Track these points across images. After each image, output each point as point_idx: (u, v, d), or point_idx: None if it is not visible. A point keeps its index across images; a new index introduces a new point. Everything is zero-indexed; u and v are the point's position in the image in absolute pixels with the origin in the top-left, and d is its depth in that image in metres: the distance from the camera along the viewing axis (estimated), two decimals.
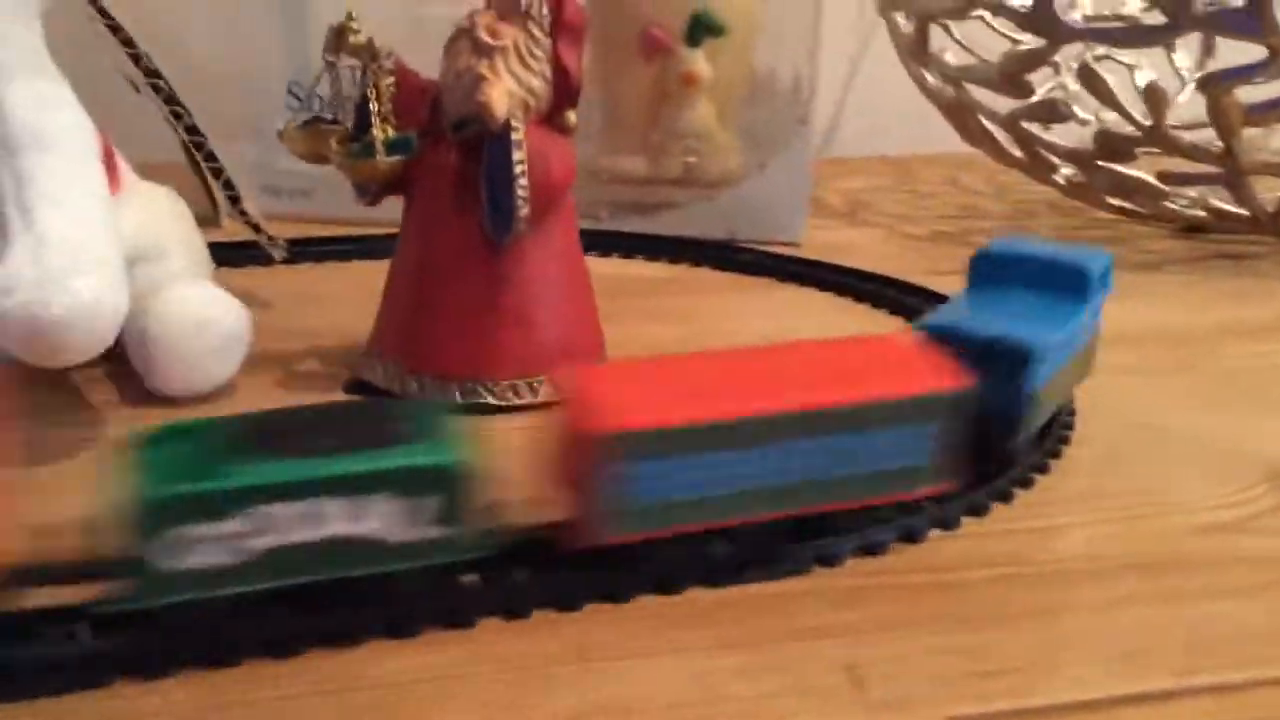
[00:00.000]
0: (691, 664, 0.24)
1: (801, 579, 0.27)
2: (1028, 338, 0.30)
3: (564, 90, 0.37)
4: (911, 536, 0.29)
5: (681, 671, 0.23)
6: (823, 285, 0.51)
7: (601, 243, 0.56)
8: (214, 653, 0.24)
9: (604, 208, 0.60)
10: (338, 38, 0.35)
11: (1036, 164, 0.61)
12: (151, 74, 0.42)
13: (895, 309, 0.48)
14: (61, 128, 0.33)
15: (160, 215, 0.39)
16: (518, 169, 0.35)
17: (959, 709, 0.22)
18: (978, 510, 0.31)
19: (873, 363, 0.27)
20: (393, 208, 0.37)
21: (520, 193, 0.35)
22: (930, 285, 0.48)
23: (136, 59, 0.41)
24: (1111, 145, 0.56)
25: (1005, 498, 0.32)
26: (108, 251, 0.32)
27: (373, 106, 0.35)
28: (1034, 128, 0.59)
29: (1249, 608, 0.26)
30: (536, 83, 0.36)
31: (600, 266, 0.53)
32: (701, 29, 0.59)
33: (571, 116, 0.37)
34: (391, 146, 0.35)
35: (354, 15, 0.35)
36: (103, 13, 0.40)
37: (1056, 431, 0.35)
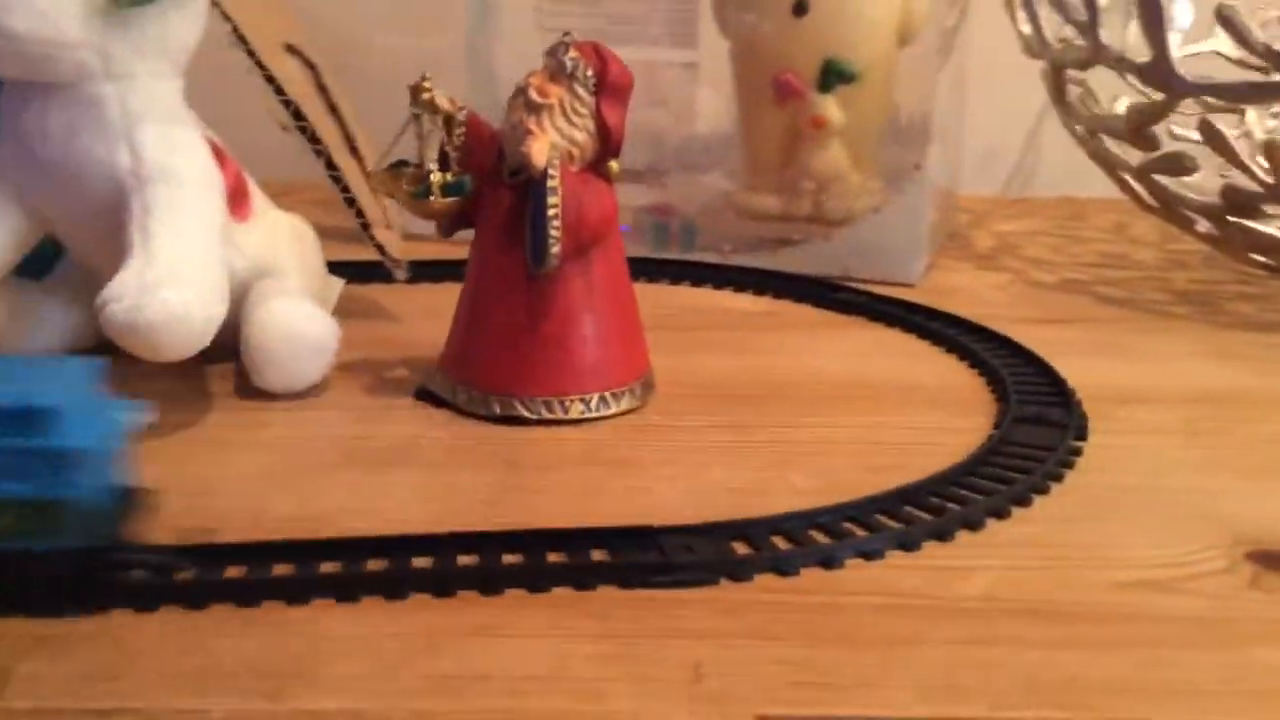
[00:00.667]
0: (552, 647, 0.28)
1: (701, 590, 0.31)
2: None
3: (606, 143, 0.41)
4: (828, 562, 0.32)
5: (541, 653, 0.27)
6: (906, 327, 0.53)
7: (709, 276, 0.60)
8: None
9: (728, 243, 0.64)
10: (414, 94, 0.41)
11: (1173, 216, 0.60)
12: (299, 117, 0.49)
13: (964, 355, 0.49)
14: (184, 167, 0.41)
15: (280, 239, 0.46)
16: (550, 211, 0.40)
17: (767, 709, 0.25)
18: (908, 545, 0.33)
19: None
20: None
21: (553, 232, 0.40)
22: (1017, 334, 0.49)
23: (286, 104, 0.49)
24: (1238, 201, 0.55)
25: (943, 536, 0.34)
26: (204, 270, 0.39)
27: (434, 154, 0.41)
28: (1165, 179, 0.58)
29: (1101, 659, 0.28)
30: (580, 136, 0.41)
31: (699, 299, 0.58)
32: (833, 76, 0.62)
33: (614, 166, 0.42)
34: (446, 189, 0.41)
35: (427, 75, 0.41)
36: (259, 65, 0.48)
37: (1036, 481, 0.37)
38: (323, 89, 0.62)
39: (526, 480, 0.37)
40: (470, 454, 0.39)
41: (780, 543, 0.33)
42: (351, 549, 0.31)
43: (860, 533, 0.33)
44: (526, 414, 0.41)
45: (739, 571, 0.31)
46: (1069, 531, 0.34)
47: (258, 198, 0.46)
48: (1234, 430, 0.42)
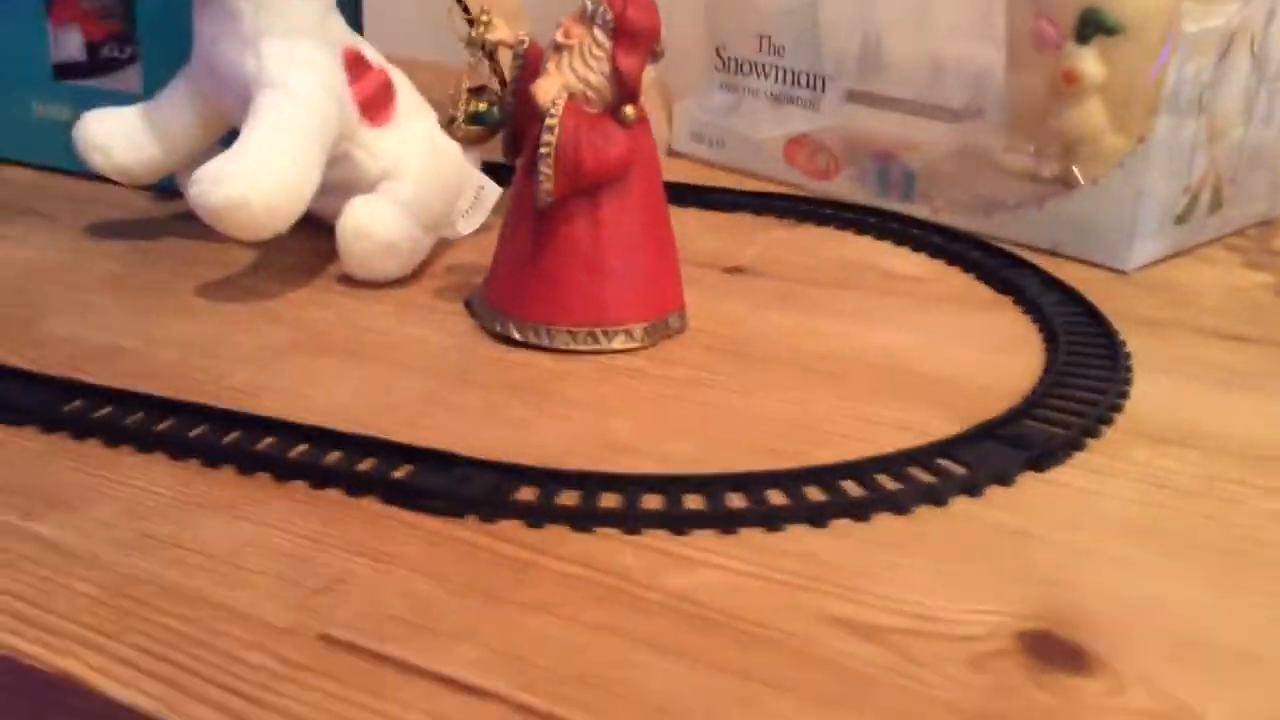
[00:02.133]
0: (250, 533, 0.32)
1: (453, 520, 0.33)
2: None
3: (621, 88, 0.42)
4: (537, 520, 0.33)
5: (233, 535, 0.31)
6: (1039, 318, 0.48)
7: (889, 230, 0.58)
8: None
9: (942, 198, 0.60)
10: (470, 25, 0.44)
11: None
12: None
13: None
14: (296, 78, 0.47)
15: (413, 149, 0.50)
16: (543, 150, 0.42)
17: (368, 641, 0.28)
18: (629, 529, 0.32)
19: None
20: None
21: (544, 169, 0.42)
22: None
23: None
24: None
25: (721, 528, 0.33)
26: (278, 169, 0.45)
27: (469, 84, 0.44)
28: None
29: (699, 680, 0.26)
30: (594, 78, 0.42)
31: (858, 251, 0.55)
32: (1092, 26, 0.56)
33: (629, 111, 0.43)
34: (472, 119, 0.44)
35: (486, 10, 0.44)
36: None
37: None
38: None
39: (457, 397, 0.40)
40: (443, 362, 0.43)
41: (538, 495, 0.33)
42: (197, 413, 0.37)
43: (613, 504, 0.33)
44: (516, 336, 0.44)
45: (487, 512, 0.33)
46: (862, 556, 0.32)
47: (406, 108, 0.52)
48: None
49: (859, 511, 0.34)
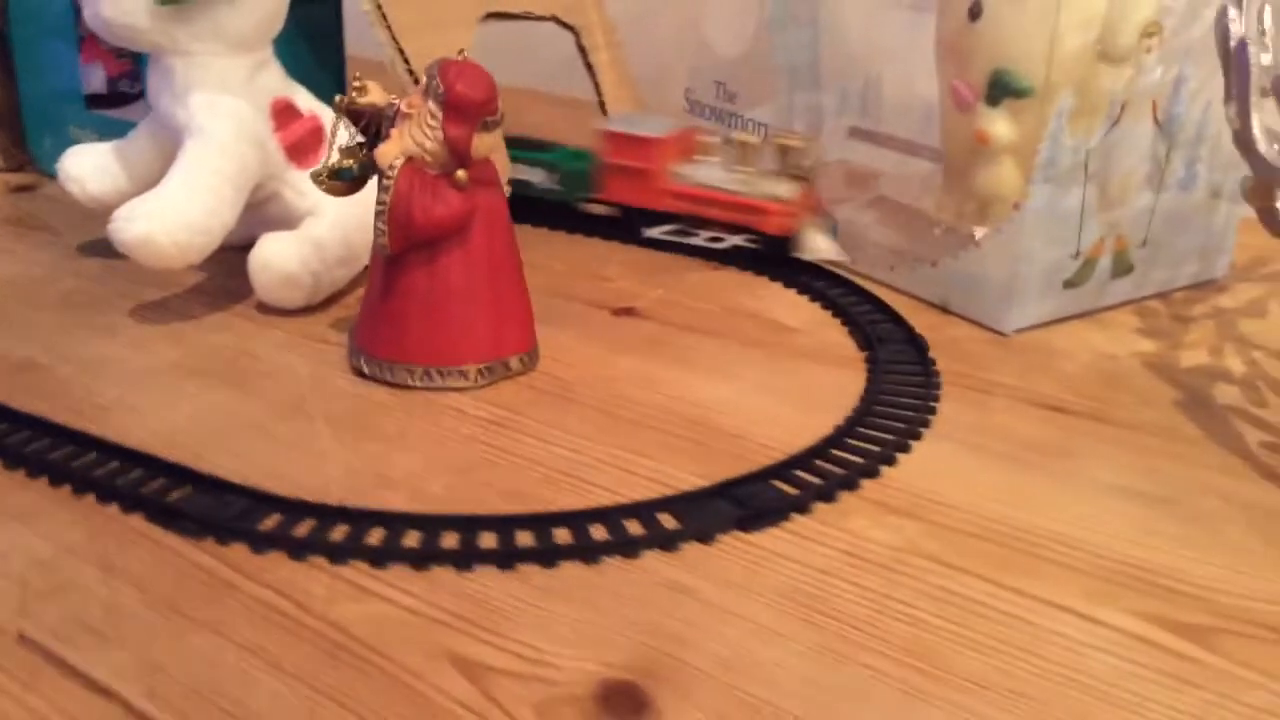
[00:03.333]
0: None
1: (196, 542, 0.38)
2: None
3: (452, 154, 0.47)
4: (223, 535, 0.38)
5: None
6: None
7: (792, 277, 0.60)
8: None
9: (856, 252, 0.62)
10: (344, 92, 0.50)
11: None
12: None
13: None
14: (217, 129, 0.54)
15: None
16: (378, 207, 0.47)
17: (28, 632, 0.33)
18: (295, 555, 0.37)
19: None
20: None
21: (380, 225, 0.47)
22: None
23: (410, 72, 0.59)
24: None
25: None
26: (189, 208, 0.52)
27: (338, 144, 0.49)
28: None
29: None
30: (430, 145, 0.47)
31: (751, 299, 0.58)
32: (1001, 88, 0.57)
33: (461, 175, 0.47)
34: (334, 174, 0.49)
35: (358, 77, 0.49)
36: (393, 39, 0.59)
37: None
38: (582, 49, 0.72)
39: (281, 426, 0.45)
40: (289, 392, 0.48)
41: (278, 523, 0.38)
42: (35, 425, 0.43)
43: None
44: (366, 371, 0.49)
45: (223, 535, 0.38)
46: (522, 600, 0.36)
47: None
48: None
49: (545, 559, 0.37)
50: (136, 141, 0.59)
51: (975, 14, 0.57)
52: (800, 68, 0.72)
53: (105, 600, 0.35)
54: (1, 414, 0.45)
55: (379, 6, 0.60)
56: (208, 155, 0.53)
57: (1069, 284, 0.56)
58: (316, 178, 0.50)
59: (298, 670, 0.32)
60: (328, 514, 0.39)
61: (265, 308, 0.55)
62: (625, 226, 0.65)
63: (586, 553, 0.38)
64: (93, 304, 0.56)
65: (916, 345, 0.53)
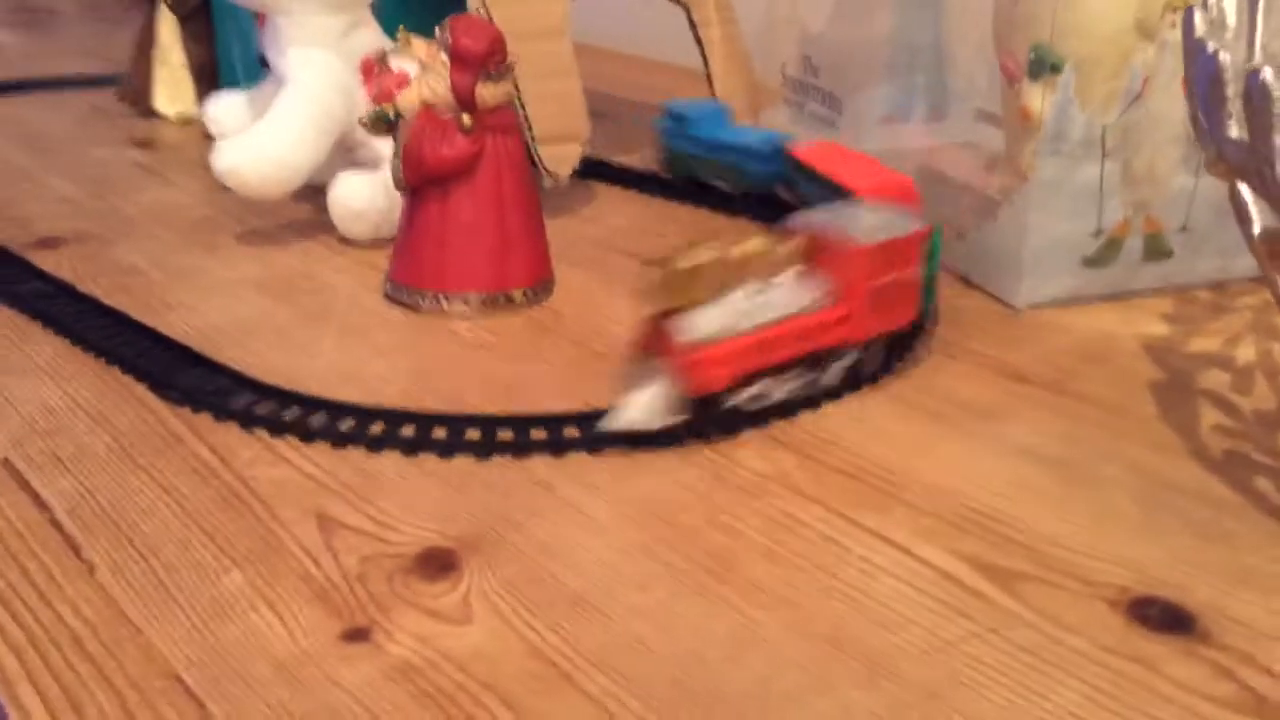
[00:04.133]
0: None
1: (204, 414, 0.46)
2: None
3: (458, 100, 0.52)
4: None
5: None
6: None
7: None
8: None
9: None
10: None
11: None
12: None
13: None
14: (307, 78, 0.61)
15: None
16: (395, 146, 0.53)
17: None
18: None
19: None
20: None
21: (395, 161, 0.53)
22: None
23: None
24: None
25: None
26: (275, 145, 0.60)
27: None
28: None
29: None
30: (440, 92, 0.53)
31: None
32: (1040, 64, 0.58)
33: (465, 119, 0.53)
34: (375, 117, 0.55)
35: (403, 31, 0.56)
36: None
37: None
38: (692, 24, 0.76)
39: (299, 330, 0.52)
40: (323, 307, 0.55)
41: (245, 403, 0.45)
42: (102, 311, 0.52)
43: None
44: (388, 292, 0.56)
45: (195, 405, 0.45)
46: (406, 480, 0.41)
47: None
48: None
49: (444, 450, 0.42)
50: (264, 90, 0.68)
51: None
52: (922, 48, 0.73)
53: (81, 442, 0.43)
54: (80, 299, 0.54)
55: None
56: (295, 101, 0.61)
57: (1091, 262, 0.55)
58: (361, 121, 0.56)
59: (192, 509, 0.39)
60: (287, 398, 0.45)
61: (342, 238, 0.62)
62: None
63: (481, 449, 0.42)
64: (210, 227, 0.65)
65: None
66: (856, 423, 0.45)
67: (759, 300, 0.43)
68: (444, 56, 0.52)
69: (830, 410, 0.46)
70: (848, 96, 0.69)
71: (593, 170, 0.74)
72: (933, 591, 0.35)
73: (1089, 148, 0.53)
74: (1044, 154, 0.53)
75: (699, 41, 0.77)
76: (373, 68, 0.63)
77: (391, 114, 0.55)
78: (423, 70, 0.53)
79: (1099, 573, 0.36)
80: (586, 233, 0.65)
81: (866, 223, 0.46)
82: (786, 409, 0.45)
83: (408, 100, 0.53)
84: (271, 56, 0.64)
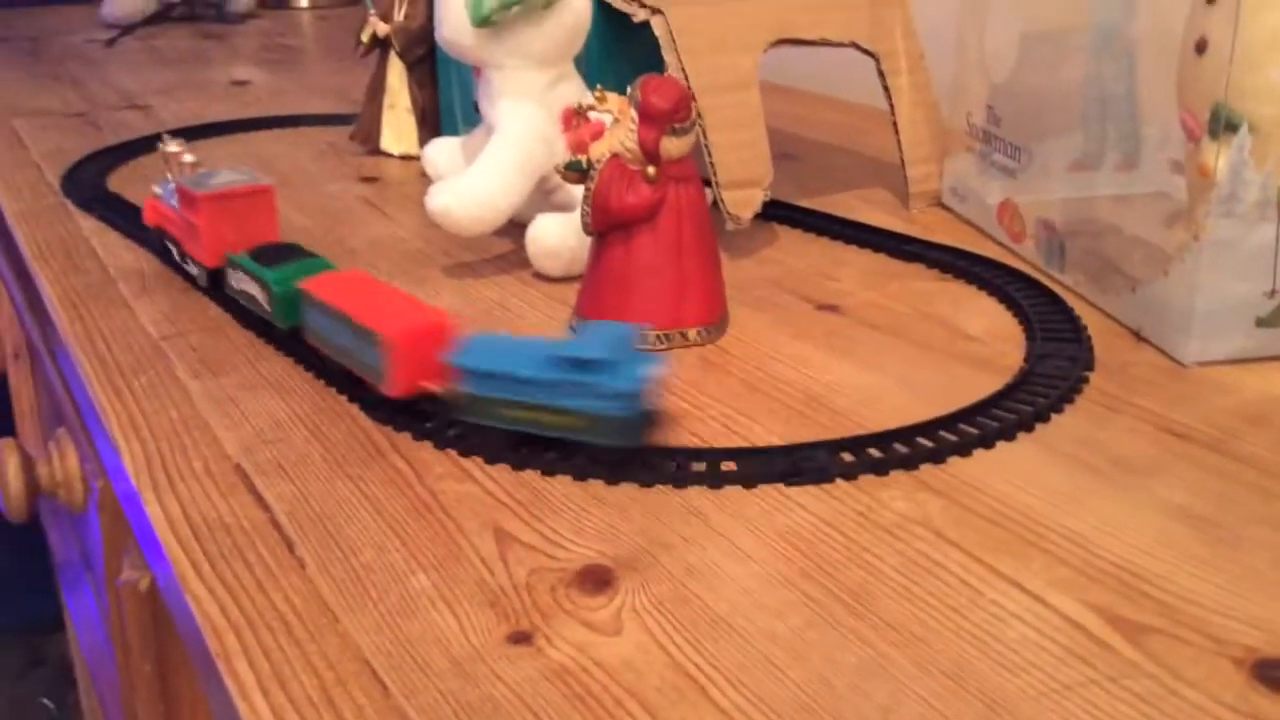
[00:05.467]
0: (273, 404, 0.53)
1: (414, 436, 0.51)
2: None
3: (643, 153, 0.57)
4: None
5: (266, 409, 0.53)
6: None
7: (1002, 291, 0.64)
8: None
9: (1083, 270, 0.64)
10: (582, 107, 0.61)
11: None
12: None
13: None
14: (515, 128, 0.67)
15: None
16: (585, 192, 0.58)
17: (236, 458, 0.48)
18: None
19: None
20: None
21: (585, 206, 0.58)
22: None
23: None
24: None
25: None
26: (483, 189, 0.66)
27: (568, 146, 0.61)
28: None
29: None
30: (629, 144, 0.57)
31: (950, 306, 0.63)
32: (1221, 122, 0.58)
33: (650, 170, 0.57)
34: (569, 165, 0.60)
35: (599, 89, 0.60)
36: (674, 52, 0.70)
37: None
38: (881, 74, 0.80)
39: None
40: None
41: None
42: None
43: None
44: (573, 327, 0.61)
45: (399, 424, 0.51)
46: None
47: None
48: None
49: (610, 476, 0.46)
50: (476, 136, 0.74)
51: (1201, 49, 0.58)
52: (1116, 97, 0.73)
53: (300, 452, 0.49)
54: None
55: (670, 32, 0.71)
56: (503, 148, 0.67)
57: (1265, 323, 0.55)
58: (557, 169, 0.62)
59: (388, 516, 0.44)
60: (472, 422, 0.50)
61: (537, 274, 0.68)
62: None
63: (643, 476, 0.46)
64: (421, 260, 0.71)
65: (1080, 363, 0.55)
66: (1005, 470, 0.47)
67: None
68: (633, 113, 0.56)
69: (981, 456, 0.48)
70: (1031, 146, 0.70)
71: (778, 212, 0.77)
72: (1059, 639, 0.37)
73: (1264, 209, 0.53)
74: (1217, 214, 0.53)
75: (886, 90, 0.79)
76: (571, 119, 0.68)
77: (584, 163, 0.60)
78: (614, 124, 0.58)
79: (1228, 631, 0.37)
80: (765, 274, 0.68)
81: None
82: (936, 454, 0.47)
83: (598, 151, 0.57)
84: (483, 106, 0.70)
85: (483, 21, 0.65)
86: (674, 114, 0.56)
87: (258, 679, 0.35)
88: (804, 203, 0.80)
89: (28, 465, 0.93)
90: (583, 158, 0.60)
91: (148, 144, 0.95)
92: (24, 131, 1.02)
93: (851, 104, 1.09)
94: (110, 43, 1.47)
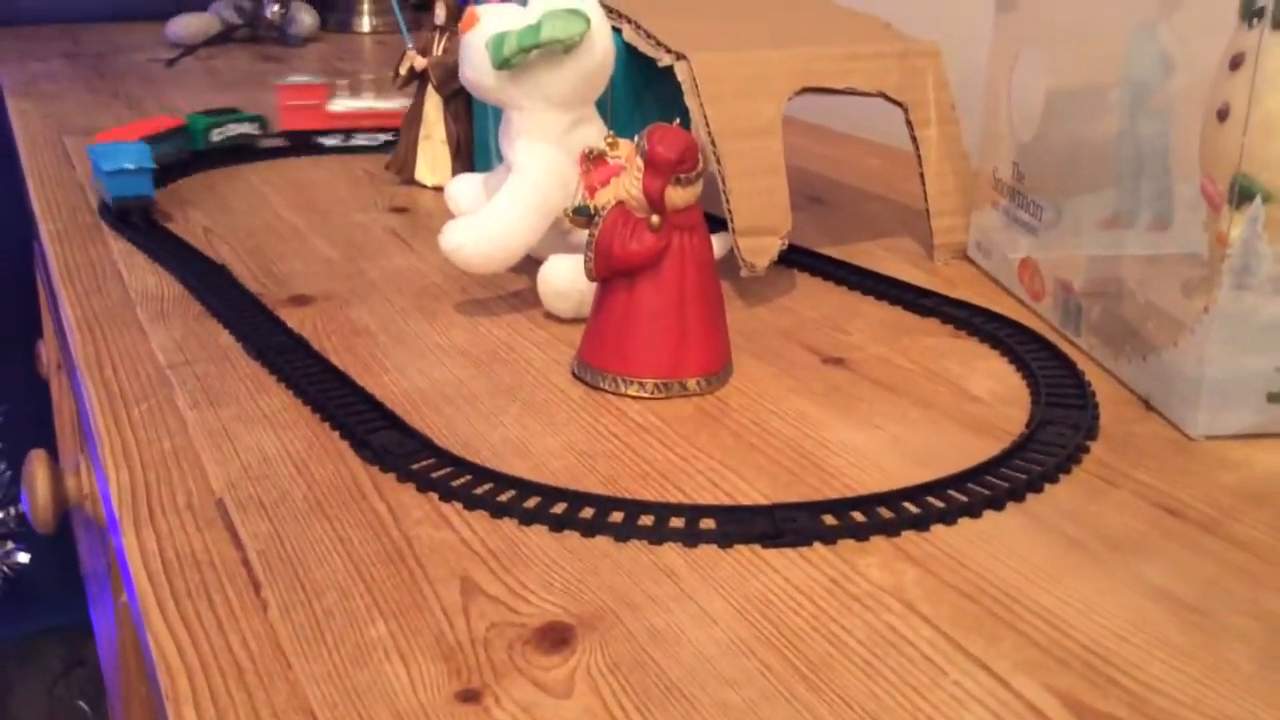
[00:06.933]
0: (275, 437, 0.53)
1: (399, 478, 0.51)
2: None
3: (649, 201, 0.57)
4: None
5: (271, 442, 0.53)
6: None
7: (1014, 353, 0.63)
8: None
9: (1098, 333, 0.63)
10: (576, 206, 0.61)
11: None
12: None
13: None
14: (531, 169, 0.67)
15: None
16: (588, 238, 0.58)
17: (219, 493, 0.48)
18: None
19: None
20: None
21: (589, 252, 0.58)
22: None
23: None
24: None
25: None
26: (495, 228, 0.66)
27: (581, 189, 0.61)
28: None
29: None
30: (635, 192, 0.57)
31: (961, 364, 0.62)
32: (1240, 192, 0.57)
33: (654, 219, 0.57)
34: (576, 210, 0.60)
35: (611, 135, 0.61)
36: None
37: None
38: (909, 123, 0.79)
39: (485, 400, 0.58)
40: (509, 379, 0.60)
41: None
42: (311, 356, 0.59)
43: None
44: (574, 371, 0.61)
45: (385, 465, 0.51)
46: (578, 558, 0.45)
47: None
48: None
49: (587, 530, 0.46)
50: (497, 173, 0.74)
51: (1223, 116, 0.56)
52: (1149, 156, 0.72)
53: (282, 489, 0.49)
54: (311, 356, 0.61)
55: (693, 78, 0.71)
56: (520, 189, 0.67)
57: (1276, 398, 0.54)
58: (565, 213, 0.62)
59: (359, 560, 0.44)
60: (461, 465, 0.50)
61: (548, 314, 0.68)
62: None
63: (620, 532, 0.46)
64: (436, 294, 0.72)
65: (1082, 431, 0.54)
66: (988, 542, 0.46)
67: None
68: (639, 161, 0.56)
69: (966, 525, 0.47)
70: (1059, 202, 0.69)
71: (799, 259, 0.76)
72: None
73: (1277, 283, 0.52)
74: (1229, 286, 0.52)
75: (914, 140, 0.79)
76: (583, 163, 0.68)
77: (592, 209, 0.60)
78: (622, 171, 0.58)
79: None
80: (776, 322, 0.67)
81: None
82: (920, 520, 0.47)
83: (604, 198, 0.57)
84: (503, 145, 0.70)
85: (503, 64, 0.66)
86: (680, 164, 0.56)
87: None
88: (829, 250, 0.79)
89: (56, 477, 0.95)
90: (590, 203, 0.60)
91: (186, 165, 0.97)
92: (73, 150, 1.04)
93: (892, 149, 1.08)
94: (171, 62, 1.50)
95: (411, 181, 0.96)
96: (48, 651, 1.93)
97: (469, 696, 0.37)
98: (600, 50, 0.67)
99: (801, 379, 0.61)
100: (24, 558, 1.70)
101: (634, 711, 0.36)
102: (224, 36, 1.63)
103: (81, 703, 1.81)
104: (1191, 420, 0.54)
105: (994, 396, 0.59)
